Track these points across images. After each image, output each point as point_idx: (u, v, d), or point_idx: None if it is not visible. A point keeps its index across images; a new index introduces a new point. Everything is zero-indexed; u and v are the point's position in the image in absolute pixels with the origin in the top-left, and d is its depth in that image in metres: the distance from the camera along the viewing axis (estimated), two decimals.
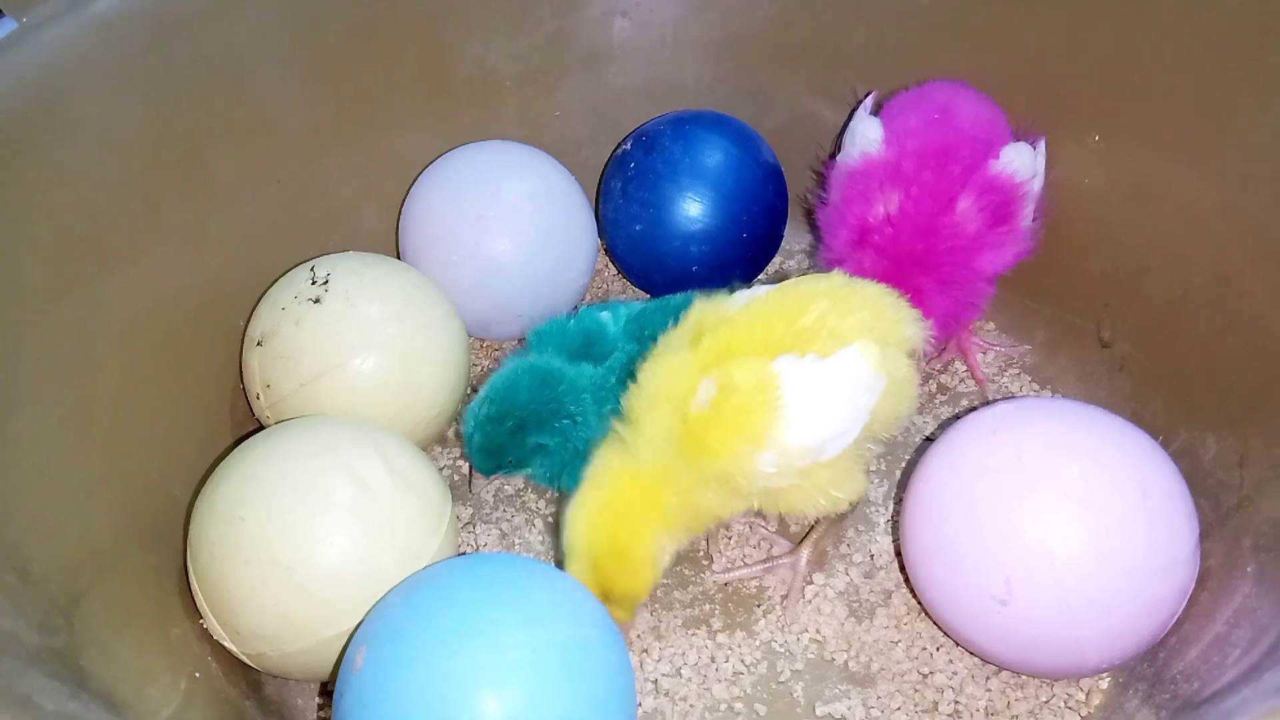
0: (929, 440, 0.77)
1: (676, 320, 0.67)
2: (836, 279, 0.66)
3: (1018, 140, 0.76)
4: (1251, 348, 0.64)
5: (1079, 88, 0.76)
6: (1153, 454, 0.58)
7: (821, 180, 0.81)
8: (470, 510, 0.76)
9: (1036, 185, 0.75)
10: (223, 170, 0.75)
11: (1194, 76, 0.68)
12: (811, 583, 0.70)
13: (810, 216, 0.84)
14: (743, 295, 0.66)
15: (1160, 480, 0.56)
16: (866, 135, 0.76)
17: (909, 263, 0.71)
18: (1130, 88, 0.73)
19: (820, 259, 0.79)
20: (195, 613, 0.62)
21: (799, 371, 0.59)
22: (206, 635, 0.62)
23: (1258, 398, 0.62)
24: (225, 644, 0.61)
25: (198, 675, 0.59)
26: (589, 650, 0.53)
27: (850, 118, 0.81)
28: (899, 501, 0.73)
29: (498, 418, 0.69)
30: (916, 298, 0.67)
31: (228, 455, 0.63)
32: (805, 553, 0.70)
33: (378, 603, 0.56)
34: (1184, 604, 0.57)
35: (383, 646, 0.51)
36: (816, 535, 0.70)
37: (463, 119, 0.88)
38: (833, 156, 0.80)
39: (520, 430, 0.69)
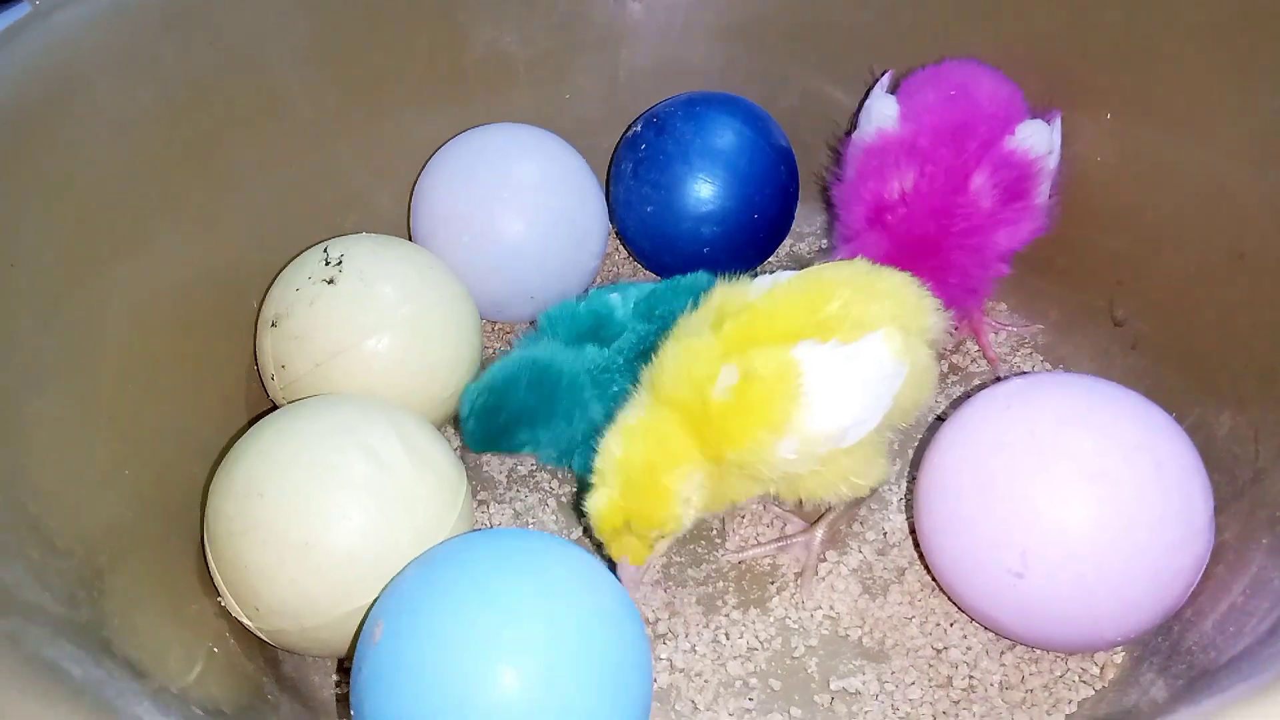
0: (940, 419, 0.77)
1: (688, 300, 0.68)
2: (860, 266, 0.66)
3: (1034, 118, 0.75)
4: (1266, 324, 0.64)
5: (1091, 65, 0.76)
6: (1166, 427, 0.58)
7: (837, 157, 0.81)
8: (476, 490, 0.76)
9: (1052, 162, 0.75)
10: (236, 154, 0.75)
11: (1206, 52, 0.68)
12: (825, 560, 0.70)
13: (825, 194, 0.84)
14: (765, 281, 0.66)
15: (1173, 453, 0.56)
16: (883, 112, 0.76)
17: (924, 240, 0.71)
18: (1143, 64, 0.73)
19: (835, 237, 0.79)
20: (213, 590, 0.62)
21: (821, 358, 0.59)
22: (224, 612, 0.62)
23: (1272, 374, 0.62)
24: (243, 620, 0.61)
25: (215, 650, 0.60)
26: (605, 622, 0.53)
27: (866, 96, 0.81)
28: (912, 480, 0.73)
29: (492, 409, 0.71)
30: (931, 275, 0.67)
31: (244, 434, 0.64)
32: (820, 532, 0.70)
33: (395, 577, 0.56)
34: (1199, 576, 0.57)
35: (400, 618, 0.52)
36: (832, 515, 0.70)
37: (475, 103, 0.89)
38: (849, 134, 0.80)
39: (513, 424, 0.71)
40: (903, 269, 0.66)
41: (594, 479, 0.61)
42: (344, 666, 0.66)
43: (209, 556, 0.62)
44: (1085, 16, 0.75)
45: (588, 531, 0.73)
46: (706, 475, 0.61)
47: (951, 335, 0.83)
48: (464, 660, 0.50)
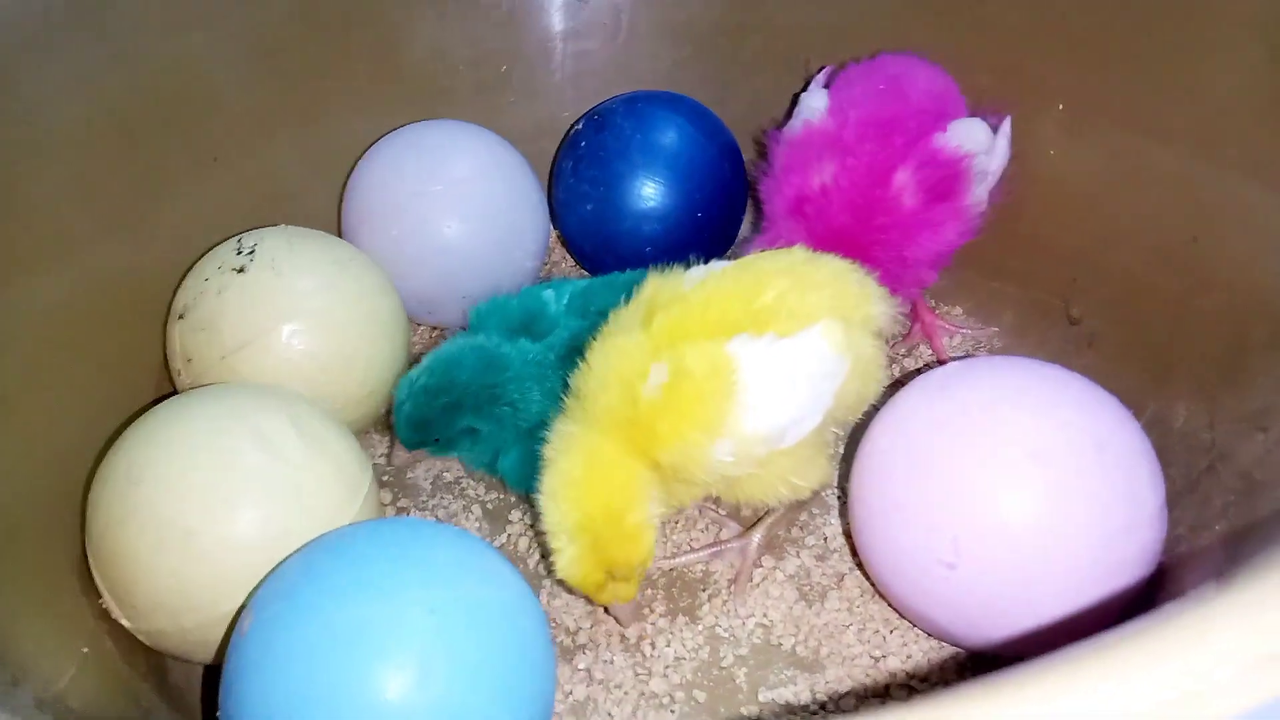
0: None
1: (624, 296, 0.64)
2: (798, 255, 0.62)
3: (973, 116, 0.72)
4: (1220, 308, 0.60)
5: (1043, 57, 0.73)
6: (1110, 409, 0.54)
7: (763, 150, 0.78)
8: (398, 496, 0.72)
9: (994, 165, 0.71)
10: (159, 148, 0.72)
11: (1152, 39, 0.66)
12: (761, 566, 0.65)
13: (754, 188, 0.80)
14: (699, 271, 0.62)
15: (1118, 434, 0.52)
16: (811, 105, 0.73)
17: (840, 233, 0.68)
18: (1092, 56, 0.70)
19: (759, 232, 0.75)
20: (94, 590, 0.58)
21: (756, 353, 0.55)
22: (105, 614, 0.58)
23: (1228, 357, 0.58)
24: (122, 622, 0.57)
25: (86, 651, 0.55)
26: (496, 612, 0.49)
27: (803, 90, 0.78)
28: None
29: (433, 391, 0.66)
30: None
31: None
32: (756, 537, 0.65)
33: (274, 568, 0.52)
34: (1150, 569, 0.53)
35: (270, 607, 0.47)
36: (771, 519, 0.66)
37: (415, 103, 0.86)
38: (779, 128, 0.77)
39: (453, 409, 0.65)
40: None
41: (553, 541, 0.56)
42: None
43: (88, 552, 0.58)
44: (1034, 9, 0.73)
45: (511, 539, 0.69)
46: (656, 485, 0.57)
47: (905, 340, 0.80)
48: (334, 651, 0.45)
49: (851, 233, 0.68)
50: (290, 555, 0.52)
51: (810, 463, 0.59)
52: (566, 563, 0.56)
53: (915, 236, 0.69)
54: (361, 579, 0.47)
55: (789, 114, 0.80)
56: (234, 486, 0.55)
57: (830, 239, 0.67)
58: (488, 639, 0.47)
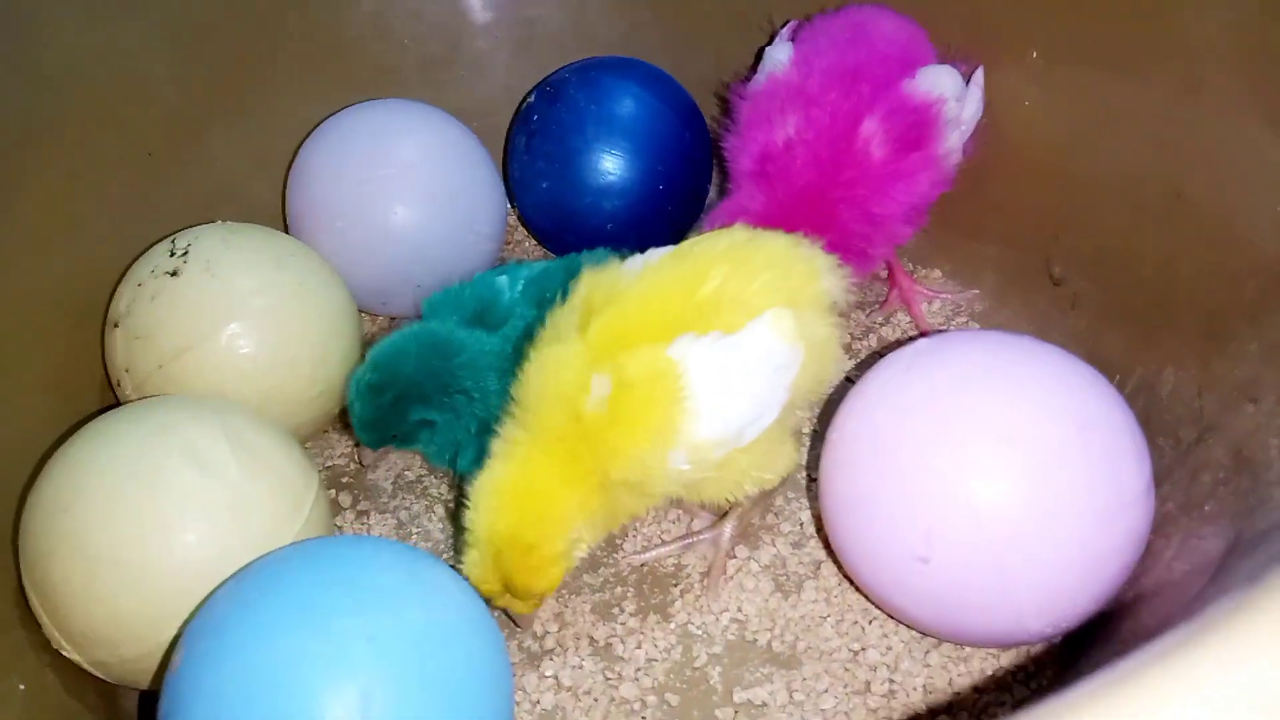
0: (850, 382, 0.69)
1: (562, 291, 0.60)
2: (738, 235, 0.58)
3: (943, 64, 0.68)
4: (1206, 267, 0.56)
5: (1014, 2, 0.69)
6: (1092, 383, 0.50)
7: (725, 106, 0.74)
8: (358, 499, 0.69)
9: (967, 114, 0.67)
10: (89, 145, 0.68)
11: None
12: (735, 558, 0.62)
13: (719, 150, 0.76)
14: (636, 262, 0.58)
15: (1101, 411, 0.49)
16: (775, 57, 0.69)
17: (805, 191, 0.64)
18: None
19: (726, 196, 0.71)
20: (34, 620, 0.55)
21: (701, 354, 0.52)
22: (47, 644, 0.55)
23: (1216, 319, 0.55)
24: (64, 652, 0.54)
25: (23, 688, 0.52)
26: (441, 637, 0.46)
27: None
28: None
29: (378, 387, 0.62)
30: (818, 233, 0.59)
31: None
32: (729, 527, 0.62)
33: (206, 597, 0.49)
34: (1138, 553, 0.50)
35: (201, 641, 0.45)
36: (743, 509, 0.63)
37: (357, 83, 0.82)
38: (744, 82, 0.73)
39: (403, 402, 0.62)
40: (786, 227, 0.58)
41: (466, 535, 0.54)
42: None
43: (24, 583, 0.55)
44: None
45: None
46: (597, 502, 0.53)
47: (882, 308, 0.76)
48: (267, 686, 0.43)
49: (817, 190, 0.64)
50: (221, 584, 0.49)
51: (773, 454, 0.56)
52: (469, 562, 0.54)
53: (886, 189, 0.65)
54: (294, 609, 0.44)
55: (753, 70, 0.76)
56: (166, 510, 0.52)
57: (795, 199, 0.64)
58: (432, 664, 0.45)
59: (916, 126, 0.64)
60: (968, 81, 0.69)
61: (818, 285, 0.56)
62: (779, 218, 0.60)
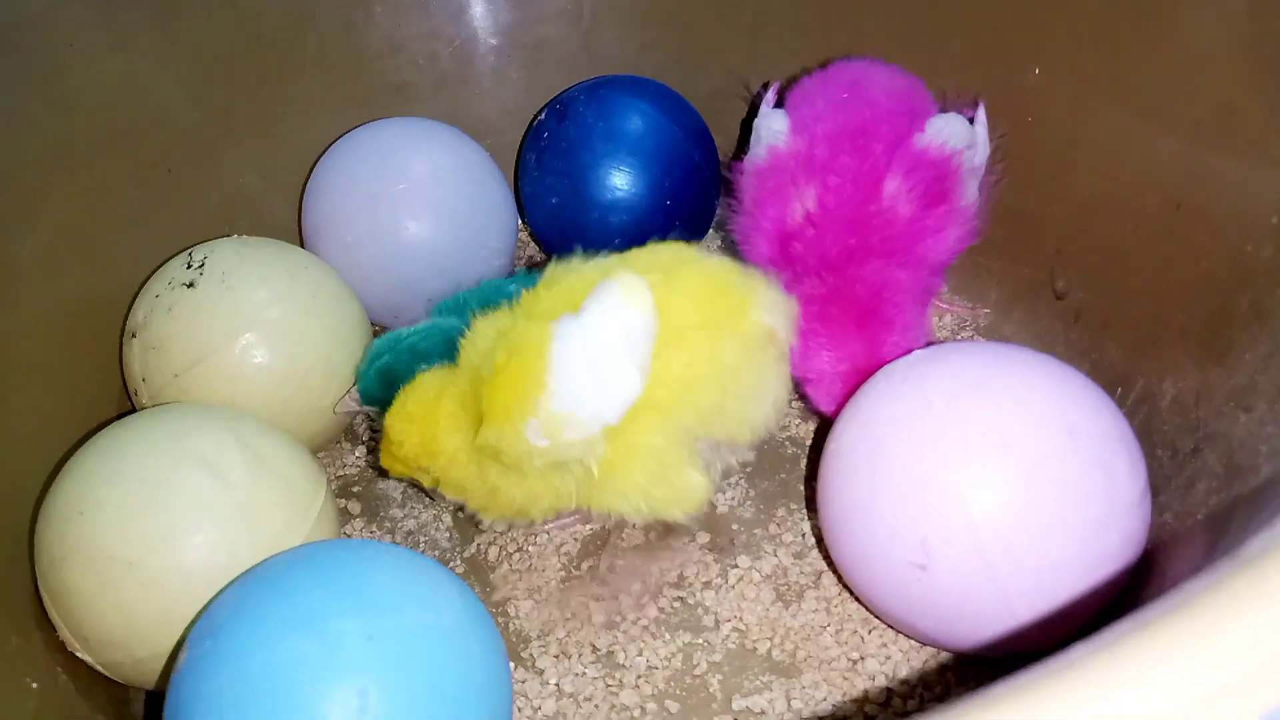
0: None
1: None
2: (684, 252, 0.57)
3: (945, 111, 0.67)
4: (1203, 277, 0.57)
5: (1012, 22, 0.70)
6: (1084, 391, 0.51)
7: (729, 186, 0.72)
8: (367, 506, 0.70)
9: (978, 158, 0.66)
10: (107, 159, 0.70)
11: None
12: (737, 567, 0.62)
13: (726, 230, 0.74)
14: (598, 261, 0.59)
15: (1092, 419, 0.49)
16: (770, 128, 0.67)
17: (841, 264, 0.62)
18: (1063, 12, 0.66)
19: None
20: (49, 623, 0.57)
21: (569, 329, 0.52)
22: (62, 646, 0.57)
23: (1212, 328, 0.55)
24: (78, 654, 0.56)
25: (35, 686, 0.54)
26: (441, 639, 0.47)
27: (750, 115, 0.73)
28: None
29: (420, 354, 0.64)
30: (861, 303, 0.60)
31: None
32: None
33: (210, 600, 0.50)
34: (1133, 561, 0.50)
35: (203, 644, 0.46)
36: None
37: (374, 101, 0.84)
38: (737, 159, 0.71)
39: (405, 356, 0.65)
40: (823, 303, 0.59)
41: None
42: None
43: (39, 586, 0.56)
44: None
45: (480, 548, 0.67)
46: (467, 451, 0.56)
47: None
48: (266, 687, 0.43)
49: (849, 259, 0.62)
50: (229, 584, 0.50)
51: (667, 473, 0.54)
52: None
53: (917, 247, 0.63)
54: (293, 610, 0.45)
55: (742, 142, 0.76)
56: (176, 514, 0.53)
57: (826, 272, 0.62)
58: (431, 666, 0.45)
59: (938, 181, 0.63)
60: (971, 122, 0.67)
61: (746, 316, 0.54)
62: (820, 292, 0.60)
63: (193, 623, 0.50)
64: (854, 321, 0.61)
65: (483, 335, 0.56)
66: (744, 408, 0.54)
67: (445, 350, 0.63)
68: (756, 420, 0.55)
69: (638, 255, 0.57)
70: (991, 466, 0.48)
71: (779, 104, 0.71)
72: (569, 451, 0.53)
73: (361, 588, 0.47)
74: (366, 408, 0.67)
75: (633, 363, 0.52)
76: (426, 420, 0.57)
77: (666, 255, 0.57)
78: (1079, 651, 0.26)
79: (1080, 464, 0.48)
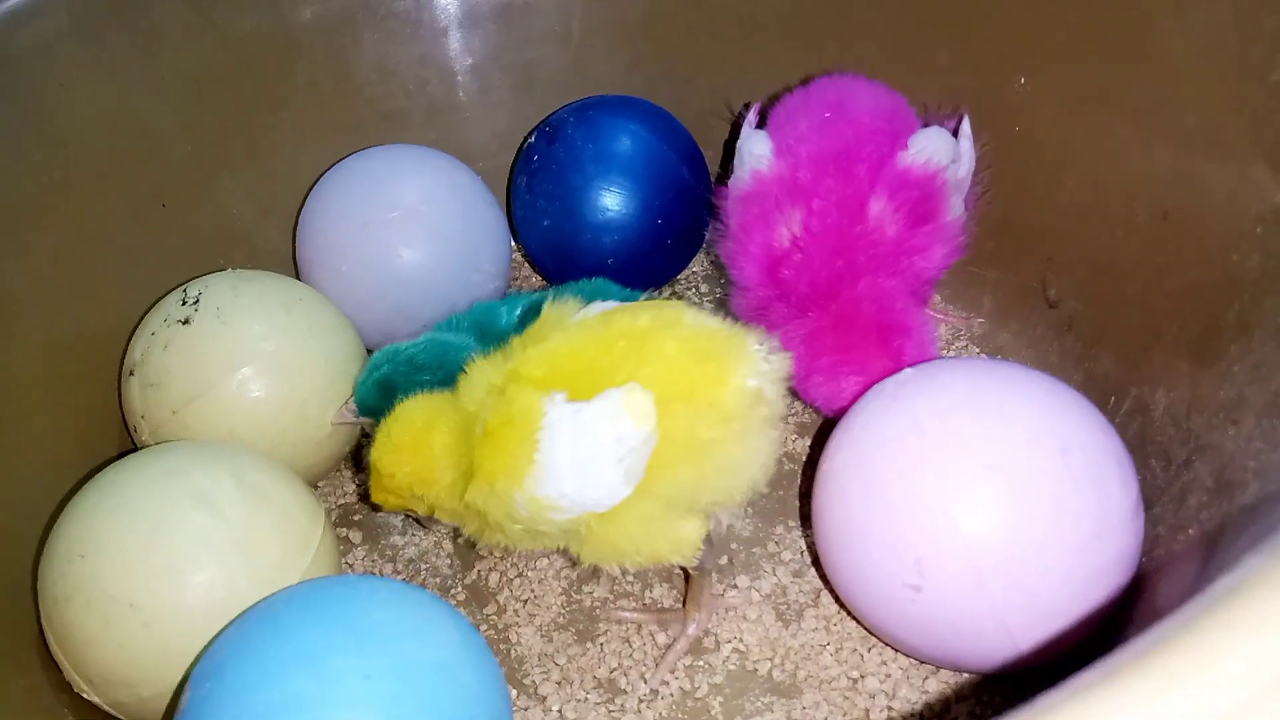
0: None
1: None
2: (666, 315, 0.53)
3: (928, 125, 0.67)
4: (1193, 285, 0.57)
5: (998, 32, 0.70)
6: (1075, 407, 0.51)
7: (714, 210, 0.72)
8: (368, 535, 0.71)
9: (963, 171, 0.66)
10: (100, 193, 0.71)
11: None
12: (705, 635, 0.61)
13: (711, 251, 0.74)
14: (593, 309, 0.58)
15: (1084, 435, 0.49)
16: (753, 151, 0.67)
17: (830, 286, 0.62)
18: (1048, 22, 0.66)
19: (734, 304, 0.68)
20: (54, 663, 0.57)
21: (560, 415, 0.50)
22: (68, 686, 0.57)
23: (1202, 339, 0.55)
24: (84, 695, 0.56)
25: None
26: (440, 674, 0.47)
27: (733, 136, 0.73)
28: None
29: (420, 366, 0.65)
30: (852, 326, 0.60)
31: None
32: (692, 628, 0.60)
33: (213, 638, 0.51)
34: (1128, 577, 0.50)
35: (204, 684, 0.46)
36: (699, 594, 0.60)
37: (365, 128, 0.85)
38: (721, 181, 0.71)
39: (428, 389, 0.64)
40: (813, 326, 0.60)
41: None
42: None
43: (44, 626, 0.57)
44: None
45: (481, 575, 0.67)
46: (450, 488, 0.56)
47: None
48: None
49: (838, 281, 0.62)
50: (230, 623, 0.50)
51: (657, 528, 0.53)
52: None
53: (905, 266, 0.63)
54: (292, 649, 0.45)
55: (725, 163, 0.75)
56: (175, 553, 0.54)
57: (815, 296, 0.62)
58: (430, 702, 0.46)
59: (924, 200, 0.63)
60: (954, 133, 0.67)
61: (726, 384, 0.51)
62: (809, 316, 0.61)
63: (194, 663, 0.50)
64: (874, 341, 0.61)
65: (478, 383, 0.55)
66: (727, 478, 0.52)
67: (444, 362, 0.64)
68: (742, 487, 0.52)
69: (620, 315, 0.54)
70: (983, 486, 0.48)
71: (760, 124, 0.71)
72: (552, 526, 0.52)
73: (359, 625, 0.47)
74: (363, 419, 0.67)
75: (622, 471, 0.50)
76: (419, 449, 0.56)
77: (646, 318, 0.53)
78: (1081, 681, 0.26)
79: (1072, 481, 0.48)
